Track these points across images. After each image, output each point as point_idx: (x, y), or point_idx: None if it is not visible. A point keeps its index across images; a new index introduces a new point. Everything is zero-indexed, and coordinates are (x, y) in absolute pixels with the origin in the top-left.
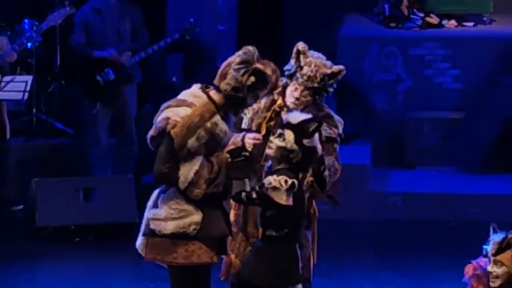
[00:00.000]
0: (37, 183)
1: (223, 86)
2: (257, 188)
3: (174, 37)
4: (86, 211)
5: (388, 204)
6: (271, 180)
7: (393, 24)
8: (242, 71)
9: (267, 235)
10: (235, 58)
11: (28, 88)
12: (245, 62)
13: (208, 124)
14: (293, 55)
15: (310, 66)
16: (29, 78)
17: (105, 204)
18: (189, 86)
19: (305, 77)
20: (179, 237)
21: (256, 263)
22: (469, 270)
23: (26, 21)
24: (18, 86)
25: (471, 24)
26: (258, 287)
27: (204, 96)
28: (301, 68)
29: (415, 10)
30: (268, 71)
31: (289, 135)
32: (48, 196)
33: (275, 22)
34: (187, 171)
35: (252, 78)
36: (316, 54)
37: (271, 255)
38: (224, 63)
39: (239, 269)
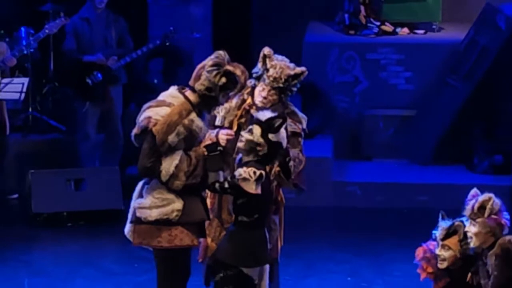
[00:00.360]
0: (33, 174)
1: (198, 86)
2: (229, 179)
3: (155, 44)
4: (76, 199)
5: (347, 193)
6: (241, 171)
7: (352, 32)
8: (214, 72)
9: (239, 221)
10: (208, 61)
11: (24, 89)
12: (217, 65)
13: (186, 121)
14: (260, 59)
15: (275, 68)
16: (26, 80)
17: (94, 193)
18: (168, 88)
19: (271, 78)
20: (163, 223)
21: (230, 246)
22: (419, 252)
23: (22, 29)
24: (16, 87)
25: (421, 31)
26: (232, 267)
27: (181, 96)
28: (268, 70)
29: (371, 19)
30: (238, 72)
31: (257, 129)
32: (42, 186)
33: (245, 30)
34: (168, 165)
35: (223, 79)
36: (280, 57)
37: (243, 238)
38: (198, 66)
39: (214, 251)
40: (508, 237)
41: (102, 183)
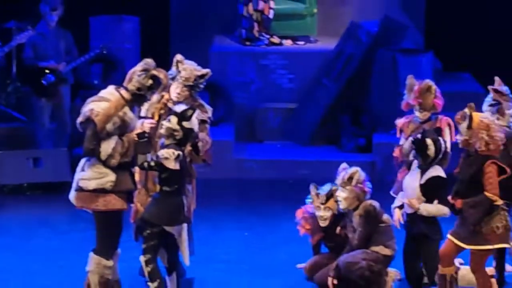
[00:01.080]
0: (0, 155)
1: (130, 86)
2: (154, 158)
3: (95, 52)
4: (34, 174)
5: (245, 168)
6: (163, 152)
7: (248, 43)
8: (143, 76)
9: (163, 190)
10: (138, 67)
11: None
12: (145, 70)
13: (121, 113)
14: (174, 63)
15: (186, 70)
16: None
17: (48, 168)
18: (106, 87)
19: (183, 78)
20: (99, 191)
21: (155, 209)
22: (299, 214)
23: None
24: None
25: (302, 42)
26: (156, 225)
27: (117, 94)
28: (180, 72)
29: (263, 33)
30: (161, 76)
31: (174, 119)
32: (7, 163)
33: (165, 42)
34: (106, 147)
35: (150, 81)
36: (189, 62)
37: (165, 203)
38: (130, 71)
39: (142, 214)
40: (369, 202)
41: (54, 161)
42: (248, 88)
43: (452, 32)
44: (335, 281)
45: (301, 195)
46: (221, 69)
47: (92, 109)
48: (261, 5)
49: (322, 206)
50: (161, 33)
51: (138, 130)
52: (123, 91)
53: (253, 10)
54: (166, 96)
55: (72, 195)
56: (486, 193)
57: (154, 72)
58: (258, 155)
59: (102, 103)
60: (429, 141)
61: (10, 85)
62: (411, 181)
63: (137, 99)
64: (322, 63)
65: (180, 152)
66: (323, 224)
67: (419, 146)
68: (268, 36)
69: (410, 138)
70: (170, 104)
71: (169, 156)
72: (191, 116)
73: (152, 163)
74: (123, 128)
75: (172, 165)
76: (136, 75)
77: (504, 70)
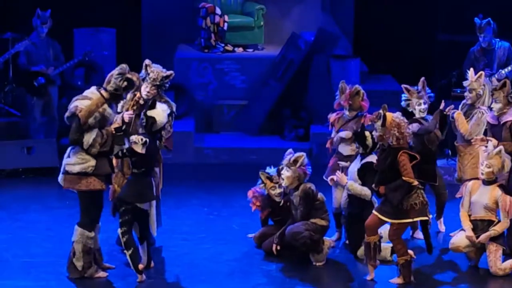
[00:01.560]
0: None
1: (109, 87)
2: (127, 147)
3: (79, 58)
4: (28, 160)
5: (204, 154)
6: (133, 137)
7: (206, 50)
8: (119, 78)
9: (134, 172)
10: (115, 71)
11: None
12: (121, 73)
13: (101, 110)
14: (143, 67)
15: (153, 72)
16: None
17: (39, 155)
18: (88, 87)
19: (151, 79)
20: (82, 174)
21: (129, 189)
22: (250, 194)
23: None
24: None
25: (251, 50)
26: (130, 203)
27: (98, 93)
28: (149, 74)
29: (218, 42)
30: (134, 78)
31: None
32: (5, 151)
33: (137, 49)
34: (88, 138)
35: (125, 83)
36: (156, 65)
37: (136, 184)
38: (109, 74)
39: (119, 194)
40: (308, 185)
41: (45, 149)
42: (207, 88)
43: (376, 41)
44: (278, 247)
45: (251, 176)
46: (183, 72)
47: (76, 106)
48: (217, 18)
49: (277, 185)
50: (134, 42)
51: (116, 125)
52: (103, 91)
53: (211, 23)
54: (138, 94)
55: (60, 178)
56: (404, 178)
57: (128, 75)
58: (214, 143)
59: (85, 101)
60: (367, 133)
61: (7, 86)
62: (354, 166)
63: (114, 98)
64: (268, 67)
65: (147, 139)
66: (278, 199)
67: (359, 137)
68: (223, 45)
69: (341, 132)
70: (141, 101)
71: (137, 141)
72: (153, 104)
73: (125, 151)
74: (103, 122)
75: (140, 149)
76: (113, 77)
77: (419, 72)
